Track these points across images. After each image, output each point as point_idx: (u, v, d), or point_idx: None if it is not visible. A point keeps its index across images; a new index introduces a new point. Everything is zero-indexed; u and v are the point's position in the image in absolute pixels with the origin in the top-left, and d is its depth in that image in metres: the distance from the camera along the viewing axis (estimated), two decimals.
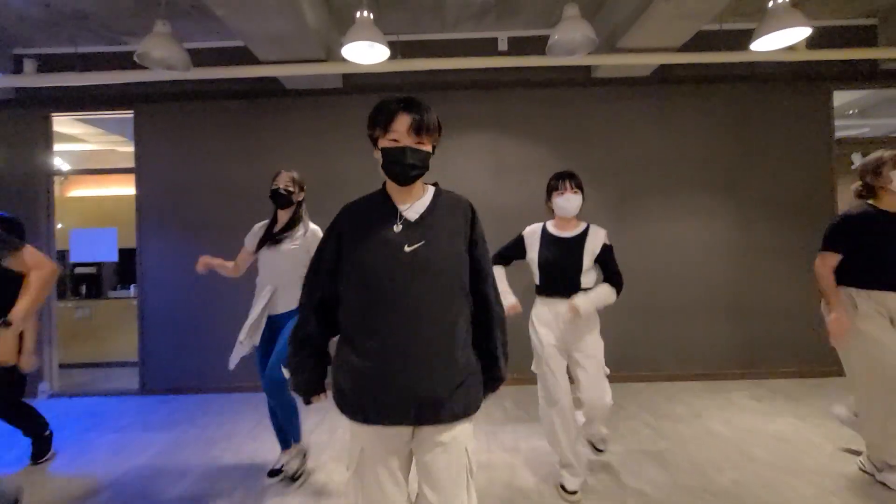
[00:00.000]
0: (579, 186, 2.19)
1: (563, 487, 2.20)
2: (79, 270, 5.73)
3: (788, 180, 4.07)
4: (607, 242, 2.22)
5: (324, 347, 1.30)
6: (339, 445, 2.86)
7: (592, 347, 2.19)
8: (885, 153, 2.26)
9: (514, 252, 2.33)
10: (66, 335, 4.84)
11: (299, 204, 2.48)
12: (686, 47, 3.62)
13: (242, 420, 3.41)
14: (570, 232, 2.22)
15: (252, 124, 4.15)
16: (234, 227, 4.07)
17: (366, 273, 1.19)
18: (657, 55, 3.60)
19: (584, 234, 2.21)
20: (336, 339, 1.29)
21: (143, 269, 4.18)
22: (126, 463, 2.75)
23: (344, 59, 3.13)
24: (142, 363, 4.17)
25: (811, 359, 3.97)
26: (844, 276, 2.27)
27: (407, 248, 1.18)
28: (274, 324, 2.38)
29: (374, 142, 1.27)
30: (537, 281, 2.26)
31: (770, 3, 2.87)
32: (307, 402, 1.30)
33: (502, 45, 4.10)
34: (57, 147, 4.37)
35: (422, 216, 1.24)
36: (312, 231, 2.46)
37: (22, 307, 1.65)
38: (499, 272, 2.28)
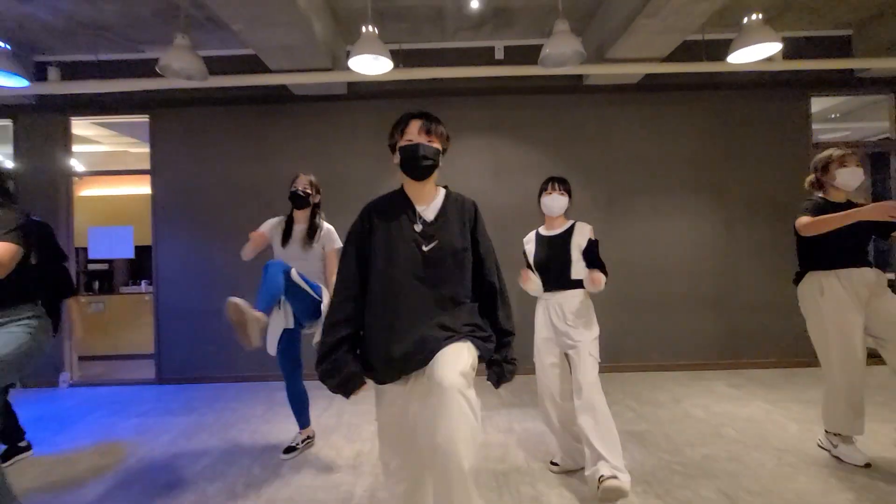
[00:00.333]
0: (567, 190, 2.40)
1: (551, 462, 2.45)
2: (92, 267, 5.97)
3: (769, 182, 4.31)
4: (592, 237, 2.37)
5: (356, 335, 1.46)
6: (345, 428, 3.11)
7: (581, 335, 2.31)
8: (833, 152, 2.50)
9: (526, 263, 2.50)
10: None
11: (316, 205, 2.71)
12: (671, 57, 3.86)
13: (255, 405, 3.65)
14: (558, 230, 2.45)
15: (261, 128, 4.39)
16: (244, 225, 4.30)
17: (390, 265, 1.43)
18: (643, 65, 3.84)
19: (571, 230, 2.43)
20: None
21: (158, 266, 4.41)
22: (150, 442, 2.99)
23: (349, 68, 3.35)
24: (157, 354, 4.42)
25: (787, 350, 4.22)
26: (811, 262, 2.49)
27: (424, 248, 1.43)
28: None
29: (393, 148, 1.54)
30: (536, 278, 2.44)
31: (745, 20, 3.11)
32: (347, 396, 1.42)
33: (499, 54, 4.33)
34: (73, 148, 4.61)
35: (436, 217, 1.49)
36: (328, 230, 2.72)
37: None
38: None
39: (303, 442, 2.78)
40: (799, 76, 4.26)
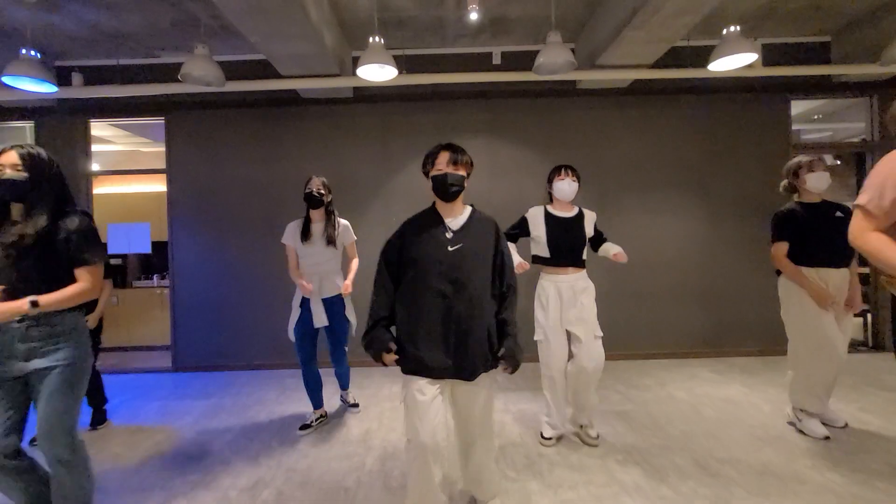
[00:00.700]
0: (577, 176, 2.65)
1: (541, 434, 2.71)
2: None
3: (751, 180, 4.55)
4: (596, 224, 2.76)
5: (391, 320, 1.81)
6: (355, 409, 3.37)
7: (585, 311, 2.58)
8: (802, 158, 2.75)
9: (518, 230, 2.74)
10: None
11: (329, 204, 2.96)
12: (659, 63, 4.09)
13: (268, 390, 3.90)
14: (571, 213, 2.69)
15: (271, 130, 4.62)
16: (255, 221, 4.59)
17: (421, 262, 1.75)
18: (632, 71, 4.08)
19: (581, 215, 2.71)
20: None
21: (174, 260, 4.65)
22: (175, 423, 3.25)
23: (356, 73, 3.58)
24: (173, 344, 4.66)
25: (769, 339, 4.47)
26: (794, 258, 2.69)
27: (450, 248, 1.75)
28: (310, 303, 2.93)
29: (427, 175, 1.88)
30: (546, 254, 2.62)
31: (724, 31, 3.35)
32: (378, 359, 1.76)
33: (496, 59, 4.56)
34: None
35: (462, 227, 1.82)
36: (344, 226, 3.02)
37: (53, 299, 1.67)
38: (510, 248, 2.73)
39: (316, 420, 3.04)
40: (779, 80, 4.51)
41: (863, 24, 4.25)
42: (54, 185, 1.79)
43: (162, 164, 4.70)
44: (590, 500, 2.10)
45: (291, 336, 2.95)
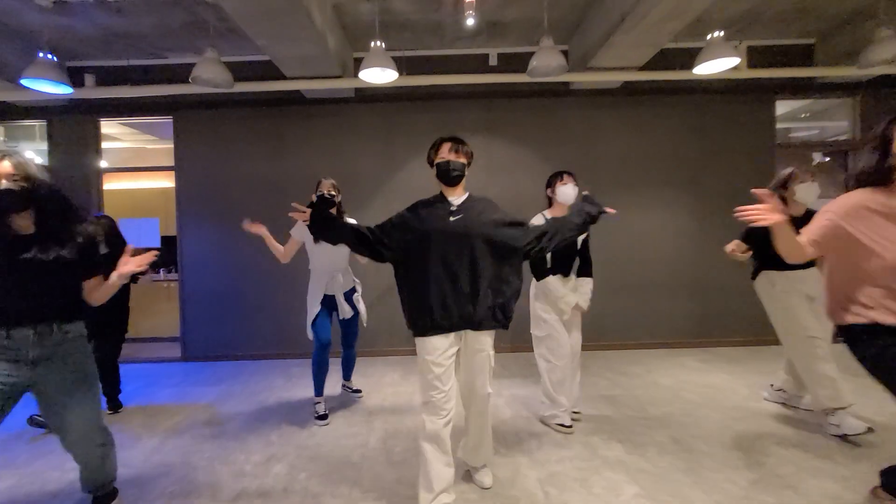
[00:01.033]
0: (576, 180, 2.80)
1: (561, 425, 2.78)
2: None
3: (738, 177, 4.74)
4: (587, 232, 2.80)
5: (357, 232, 2.05)
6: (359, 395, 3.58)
7: (578, 309, 2.84)
8: (793, 170, 2.83)
9: None
10: None
11: (339, 204, 3.13)
12: (649, 64, 4.26)
13: (275, 378, 4.11)
14: None
15: (276, 128, 4.79)
16: (260, 216, 4.70)
17: (426, 232, 1.97)
18: (623, 73, 4.26)
19: None
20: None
21: (183, 254, 4.84)
22: (188, 407, 3.45)
23: (357, 75, 3.74)
24: (183, 334, 4.86)
25: (755, 330, 4.67)
26: (767, 262, 2.87)
27: (451, 220, 1.98)
28: (332, 300, 3.13)
29: (431, 164, 2.11)
30: (548, 264, 2.75)
31: (708, 36, 3.52)
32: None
33: (493, 61, 4.73)
34: None
35: (461, 204, 2.06)
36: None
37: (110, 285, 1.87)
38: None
39: (314, 407, 3.16)
40: (765, 81, 4.68)
41: (845, 27, 4.42)
42: (54, 189, 1.78)
43: (168, 161, 4.88)
44: (573, 472, 2.31)
45: (309, 334, 3.06)
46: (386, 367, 4.28)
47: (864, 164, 1.80)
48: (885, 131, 1.73)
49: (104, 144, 6.08)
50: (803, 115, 5.99)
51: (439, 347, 1.94)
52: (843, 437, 2.54)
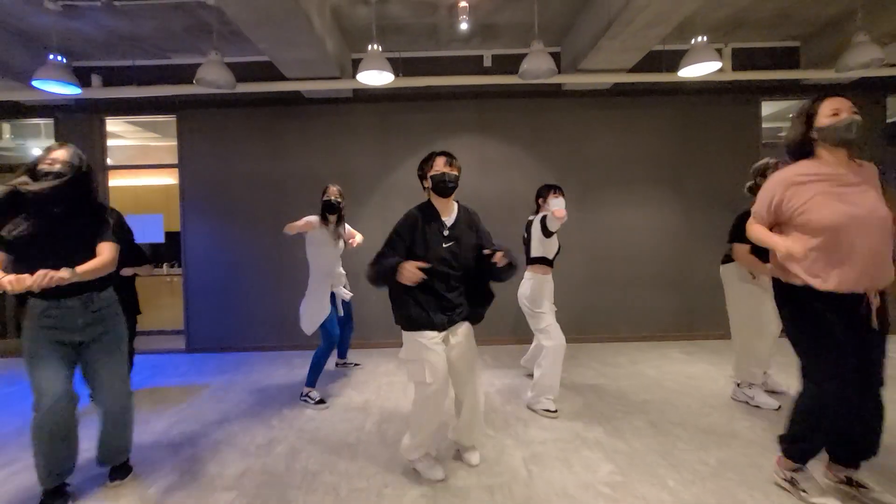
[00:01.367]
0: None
1: (547, 410, 2.97)
2: None
3: (723, 176, 4.90)
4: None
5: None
6: (354, 384, 3.75)
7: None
8: (770, 160, 2.99)
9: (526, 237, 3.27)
10: None
11: (342, 209, 3.29)
12: (637, 66, 4.41)
13: (278, 368, 4.27)
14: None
15: (276, 127, 4.94)
16: (261, 212, 4.93)
17: (427, 252, 2.15)
18: (611, 75, 4.41)
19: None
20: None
21: (186, 249, 5.00)
22: (196, 394, 3.62)
23: (355, 76, 3.88)
24: (187, 327, 5.03)
25: None
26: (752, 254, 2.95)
27: (444, 245, 2.15)
28: (333, 296, 3.33)
29: (423, 177, 2.27)
30: (551, 256, 3.12)
31: (692, 41, 3.67)
32: (392, 273, 2.08)
33: (487, 62, 4.87)
34: None
35: (453, 224, 2.24)
36: (349, 230, 3.47)
37: (87, 268, 1.94)
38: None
39: (307, 395, 3.33)
40: (750, 83, 4.83)
41: (827, 31, 4.56)
42: (89, 182, 2.09)
43: (171, 158, 5.03)
44: (555, 452, 2.48)
45: (309, 331, 3.22)
46: (381, 358, 4.44)
47: (790, 134, 2.00)
48: (810, 109, 1.93)
49: (108, 142, 6.25)
50: (790, 116, 6.15)
51: (433, 338, 2.15)
52: (755, 407, 3.00)
